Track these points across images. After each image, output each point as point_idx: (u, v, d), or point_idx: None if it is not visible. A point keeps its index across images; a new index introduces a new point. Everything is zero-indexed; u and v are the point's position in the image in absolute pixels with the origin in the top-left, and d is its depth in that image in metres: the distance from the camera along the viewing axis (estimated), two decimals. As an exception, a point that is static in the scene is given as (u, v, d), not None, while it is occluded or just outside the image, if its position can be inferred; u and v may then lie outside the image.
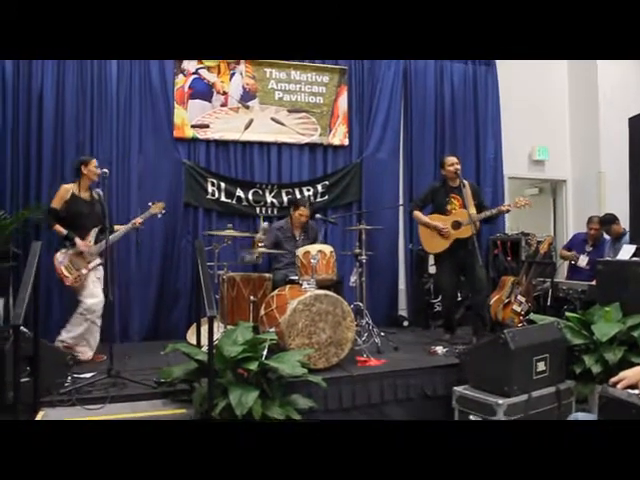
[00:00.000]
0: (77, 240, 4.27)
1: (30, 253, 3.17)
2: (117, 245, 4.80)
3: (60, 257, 4.25)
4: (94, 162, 4.45)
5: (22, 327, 3.39)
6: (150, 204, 4.64)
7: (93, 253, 4.35)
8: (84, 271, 4.28)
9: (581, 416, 2.29)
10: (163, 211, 4.70)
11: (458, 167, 4.89)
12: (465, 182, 4.87)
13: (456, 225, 4.76)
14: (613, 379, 2.30)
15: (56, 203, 4.31)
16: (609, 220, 5.47)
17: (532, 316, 4.35)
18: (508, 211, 4.98)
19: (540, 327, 3.95)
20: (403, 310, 6.35)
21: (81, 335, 4.26)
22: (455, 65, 6.61)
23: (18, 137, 5.09)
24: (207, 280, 3.25)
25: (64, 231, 4.27)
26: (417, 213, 5.01)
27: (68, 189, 4.36)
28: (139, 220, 4.56)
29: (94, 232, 4.38)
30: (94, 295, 4.30)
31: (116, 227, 4.54)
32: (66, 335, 4.25)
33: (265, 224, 5.27)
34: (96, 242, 4.38)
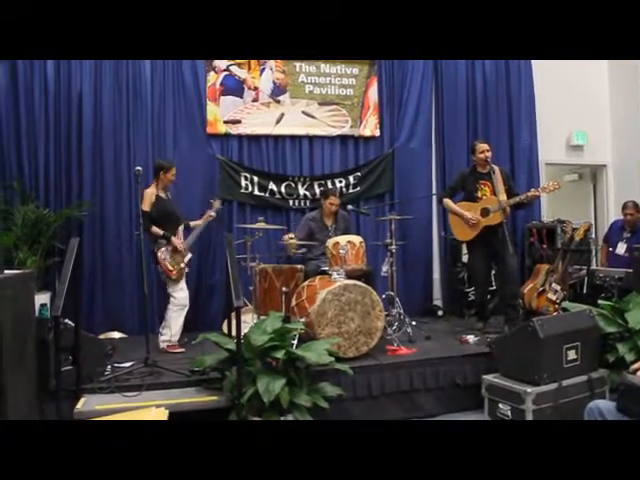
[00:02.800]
0: (173, 238, 4.52)
1: (68, 248, 3.33)
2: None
3: (163, 254, 4.48)
4: (173, 170, 4.67)
5: (67, 319, 3.64)
6: (211, 201, 5.02)
7: (186, 249, 4.63)
8: (182, 265, 4.56)
9: (601, 403, 2.28)
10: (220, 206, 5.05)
11: (489, 154, 4.84)
12: (495, 168, 4.81)
13: (485, 212, 4.72)
14: (634, 366, 2.30)
15: (146, 206, 4.45)
16: None
17: (565, 304, 4.30)
18: (537, 196, 4.88)
19: (571, 315, 3.91)
20: (438, 300, 6.35)
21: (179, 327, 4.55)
22: (487, 52, 6.50)
23: (60, 137, 5.32)
24: (235, 272, 3.34)
25: (160, 232, 4.48)
26: (447, 201, 4.99)
27: (152, 192, 4.54)
28: (212, 213, 4.87)
29: (181, 229, 4.69)
30: (184, 289, 4.60)
31: (192, 223, 4.90)
32: (167, 336, 4.48)
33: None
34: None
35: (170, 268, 4.48)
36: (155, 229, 4.47)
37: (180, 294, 4.56)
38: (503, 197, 4.69)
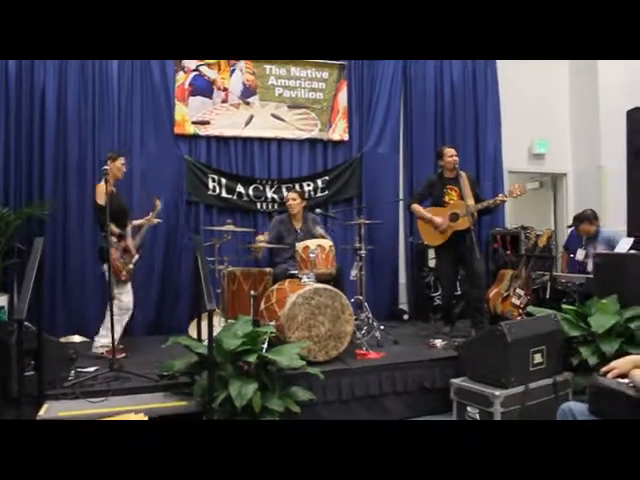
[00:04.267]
0: (128, 239, 4.36)
1: (32, 249, 3.22)
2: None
3: (116, 253, 4.27)
4: (122, 160, 4.50)
5: (26, 322, 3.50)
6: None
7: (135, 249, 4.46)
8: (131, 266, 4.38)
9: (573, 405, 2.32)
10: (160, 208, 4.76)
11: (456, 158, 4.93)
12: (462, 173, 4.89)
13: (454, 217, 4.79)
14: (604, 368, 2.33)
15: (102, 200, 4.16)
16: (578, 218, 5.44)
17: (529, 309, 4.39)
18: (504, 201, 4.97)
19: (536, 319, 3.98)
20: (403, 304, 6.40)
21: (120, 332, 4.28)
22: (455, 59, 6.62)
23: (21, 135, 5.15)
24: (206, 274, 3.29)
25: (117, 230, 4.28)
26: (415, 206, 5.03)
27: (102, 185, 4.19)
28: (154, 219, 4.69)
29: (130, 228, 4.46)
30: (130, 292, 4.41)
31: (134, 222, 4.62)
32: (106, 340, 4.19)
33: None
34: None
35: (121, 268, 4.30)
36: (114, 227, 4.22)
37: (126, 297, 4.36)
38: (471, 201, 4.76)
